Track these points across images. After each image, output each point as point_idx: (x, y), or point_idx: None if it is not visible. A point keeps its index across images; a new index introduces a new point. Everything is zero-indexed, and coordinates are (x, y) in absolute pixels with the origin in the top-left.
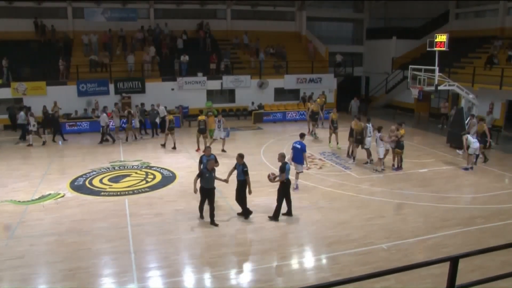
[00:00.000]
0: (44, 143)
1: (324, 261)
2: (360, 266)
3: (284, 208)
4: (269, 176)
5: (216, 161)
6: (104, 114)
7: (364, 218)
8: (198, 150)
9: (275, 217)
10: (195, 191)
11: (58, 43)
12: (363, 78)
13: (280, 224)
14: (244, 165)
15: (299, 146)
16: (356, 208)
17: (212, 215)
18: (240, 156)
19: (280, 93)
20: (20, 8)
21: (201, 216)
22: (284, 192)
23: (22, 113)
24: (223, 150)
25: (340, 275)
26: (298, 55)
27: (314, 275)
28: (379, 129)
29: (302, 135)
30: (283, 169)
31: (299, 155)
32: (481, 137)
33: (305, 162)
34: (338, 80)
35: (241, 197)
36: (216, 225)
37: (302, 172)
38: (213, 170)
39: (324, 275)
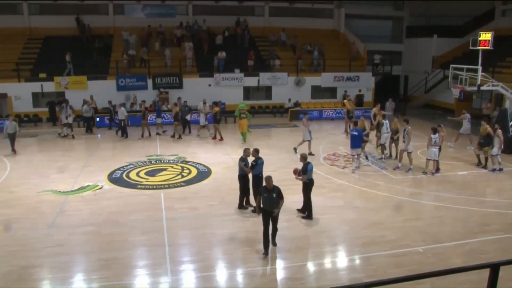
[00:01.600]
0: (73, 136)
1: (357, 261)
2: (394, 268)
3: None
4: (294, 171)
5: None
6: (123, 108)
7: (399, 220)
8: (214, 138)
9: (308, 216)
10: (258, 212)
11: (94, 43)
12: (401, 77)
13: (314, 222)
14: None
15: (356, 133)
16: (391, 209)
17: (274, 235)
18: (256, 151)
19: (317, 91)
20: (64, 5)
21: (266, 253)
22: (307, 191)
23: (85, 106)
24: (310, 153)
25: (373, 276)
26: (336, 53)
27: (346, 275)
28: (434, 131)
29: (356, 123)
30: (305, 170)
31: (357, 141)
32: (484, 139)
33: (364, 138)
34: (376, 79)
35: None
36: (275, 244)
37: (361, 154)
38: (274, 190)
39: (357, 276)
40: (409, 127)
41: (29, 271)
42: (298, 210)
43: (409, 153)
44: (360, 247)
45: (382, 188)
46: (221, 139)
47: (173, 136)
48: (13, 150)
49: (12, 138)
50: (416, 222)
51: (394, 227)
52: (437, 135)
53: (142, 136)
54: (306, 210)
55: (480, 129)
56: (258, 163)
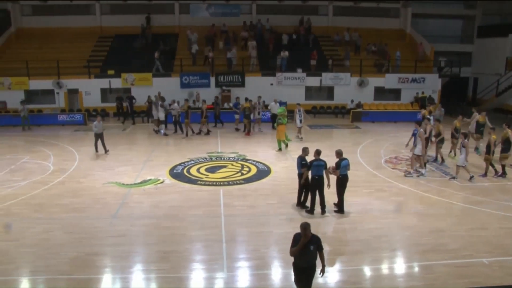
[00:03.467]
0: (157, 132)
1: (416, 269)
2: (456, 279)
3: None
4: (329, 168)
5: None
6: (175, 105)
7: (463, 228)
8: (247, 134)
9: (339, 210)
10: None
11: (159, 44)
12: (471, 79)
13: (373, 226)
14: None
15: (416, 132)
16: (455, 216)
17: None
18: (317, 153)
19: (380, 92)
20: (133, 5)
21: None
22: (339, 186)
23: (166, 103)
24: (437, 158)
25: (433, 285)
26: (401, 54)
27: (404, 282)
28: (465, 135)
29: (419, 123)
30: (338, 165)
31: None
32: (504, 144)
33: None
34: (443, 81)
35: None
36: None
37: (421, 155)
38: (312, 241)
39: (416, 284)
40: (421, 130)
41: (93, 258)
42: (334, 204)
43: (417, 156)
44: (420, 254)
45: (446, 194)
46: (248, 133)
47: (198, 133)
48: (106, 151)
49: (100, 137)
50: (481, 232)
51: (457, 236)
52: (466, 140)
53: (186, 135)
54: (338, 205)
55: (501, 134)
56: (313, 164)
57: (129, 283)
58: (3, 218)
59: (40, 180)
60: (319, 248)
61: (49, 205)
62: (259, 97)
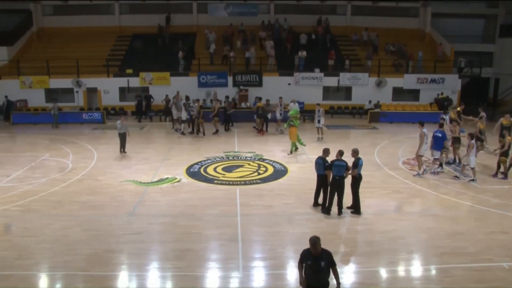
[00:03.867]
0: (183, 133)
1: (433, 272)
2: (474, 283)
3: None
4: (348, 168)
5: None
6: (196, 104)
7: (483, 232)
8: (262, 133)
9: (356, 211)
10: (301, 284)
11: (178, 45)
12: (492, 80)
13: (390, 228)
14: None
15: (440, 135)
16: (474, 219)
17: None
18: (340, 153)
19: (398, 93)
20: (151, 4)
21: None
22: (355, 186)
23: (196, 105)
24: (455, 160)
25: None
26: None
27: (421, 285)
28: (472, 136)
29: (441, 125)
30: (356, 165)
31: (439, 143)
32: None
33: (446, 146)
34: (463, 82)
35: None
36: None
37: (438, 158)
38: (322, 256)
39: (433, 287)
40: (424, 130)
41: (110, 255)
42: (348, 207)
43: (419, 156)
44: (437, 257)
45: (465, 196)
46: (263, 132)
47: (215, 133)
48: (123, 151)
49: (123, 137)
50: (502, 236)
51: (476, 239)
52: (473, 141)
53: (197, 133)
54: (354, 206)
55: None
56: (334, 164)
57: (145, 281)
58: (24, 214)
59: (59, 177)
60: (331, 264)
61: (68, 202)
62: (280, 97)
